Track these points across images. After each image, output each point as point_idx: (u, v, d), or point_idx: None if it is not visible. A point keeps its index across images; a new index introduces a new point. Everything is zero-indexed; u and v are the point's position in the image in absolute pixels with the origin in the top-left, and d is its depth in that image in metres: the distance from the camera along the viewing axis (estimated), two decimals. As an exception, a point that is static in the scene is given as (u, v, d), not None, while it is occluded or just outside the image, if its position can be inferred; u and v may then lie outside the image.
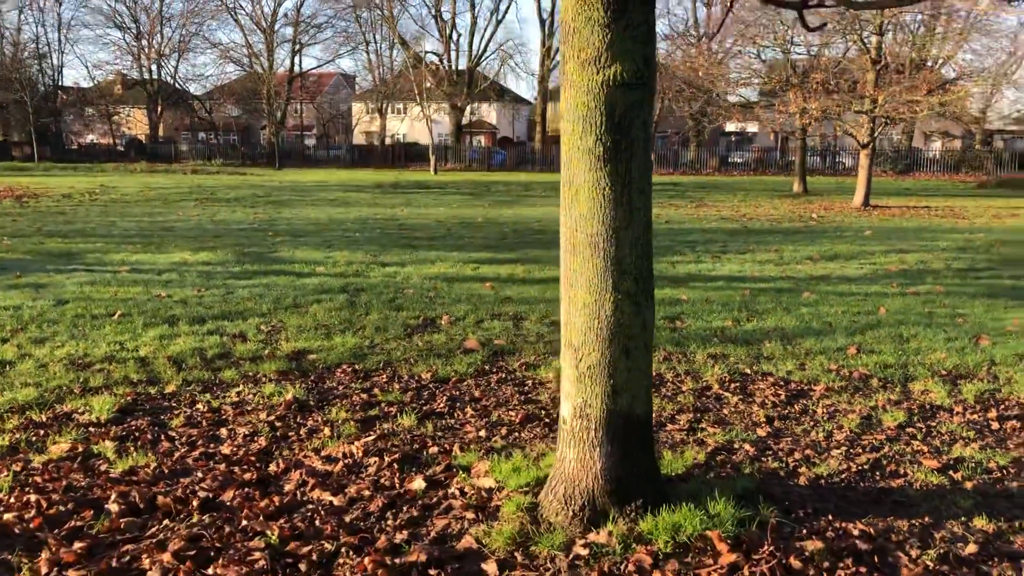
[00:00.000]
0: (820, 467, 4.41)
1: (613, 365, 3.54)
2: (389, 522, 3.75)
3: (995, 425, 5.23)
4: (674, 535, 3.44)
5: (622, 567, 3.28)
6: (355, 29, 58.94)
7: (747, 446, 4.74)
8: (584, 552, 3.36)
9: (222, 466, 4.47)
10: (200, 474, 4.37)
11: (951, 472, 4.37)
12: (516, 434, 5.01)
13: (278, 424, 5.18)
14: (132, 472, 4.39)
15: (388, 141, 62.46)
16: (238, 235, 15.95)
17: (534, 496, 3.86)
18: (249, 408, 5.51)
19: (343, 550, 3.46)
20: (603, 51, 3.37)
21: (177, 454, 4.68)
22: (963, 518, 3.77)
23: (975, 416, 5.39)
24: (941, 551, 3.40)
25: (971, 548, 3.42)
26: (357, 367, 6.53)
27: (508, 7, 70.55)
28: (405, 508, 3.89)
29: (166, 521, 3.82)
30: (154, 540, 3.62)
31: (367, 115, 64.41)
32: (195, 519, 3.80)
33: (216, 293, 9.62)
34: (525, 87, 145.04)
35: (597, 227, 3.49)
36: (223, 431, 5.08)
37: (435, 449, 4.67)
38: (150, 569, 3.35)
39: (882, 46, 24.90)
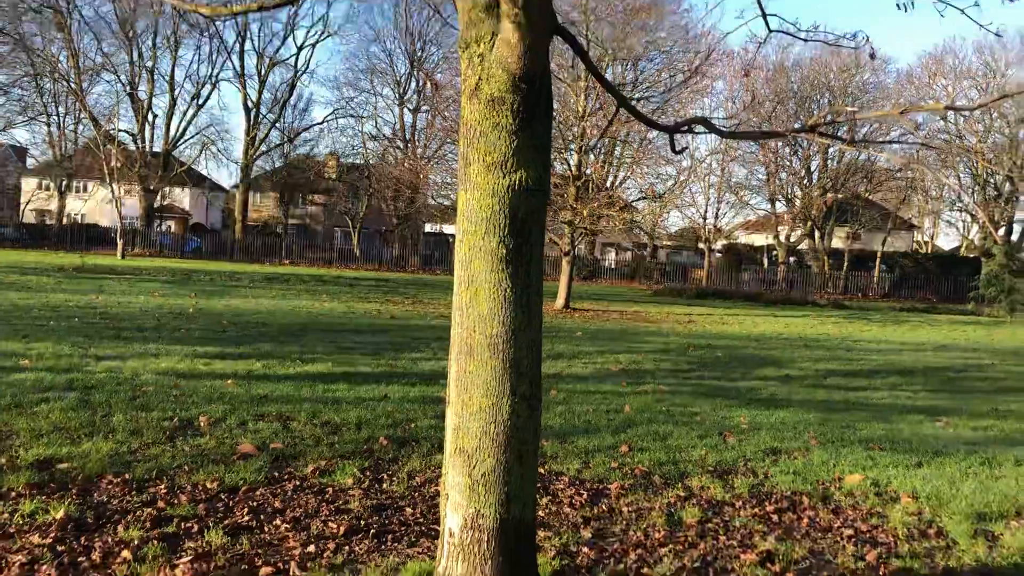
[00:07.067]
0: (659, 567, 4.55)
1: (508, 471, 3.45)
2: (252, 659, 3.30)
3: (775, 518, 5.73)
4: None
5: None
6: (34, 99, 52.87)
7: (585, 549, 4.78)
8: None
9: (10, 605, 3.70)
10: (-16, 617, 3.58)
11: (769, 565, 4.70)
12: (348, 548, 4.66)
13: (60, 548, 4.41)
14: None
15: (65, 221, 56.74)
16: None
17: (409, 616, 3.60)
18: (12, 530, 4.64)
19: None
20: (509, 156, 3.39)
21: (-61, 594, 3.81)
22: (803, 609, 4.06)
23: (756, 510, 5.87)
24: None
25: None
26: (126, 476, 5.77)
27: (210, 94, 66.44)
28: (265, 640, 3.45)
29: None
30: None
31: (43, 191, 58.26)
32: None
33: (-93, 390, 8.09)
34: (226, 174, 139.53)
35: (497, 328, 3.44)
36: (-11, 561, 4.23)
37: (268, 570, 4.21)
38: None
39: (582, 163, 27.26)
